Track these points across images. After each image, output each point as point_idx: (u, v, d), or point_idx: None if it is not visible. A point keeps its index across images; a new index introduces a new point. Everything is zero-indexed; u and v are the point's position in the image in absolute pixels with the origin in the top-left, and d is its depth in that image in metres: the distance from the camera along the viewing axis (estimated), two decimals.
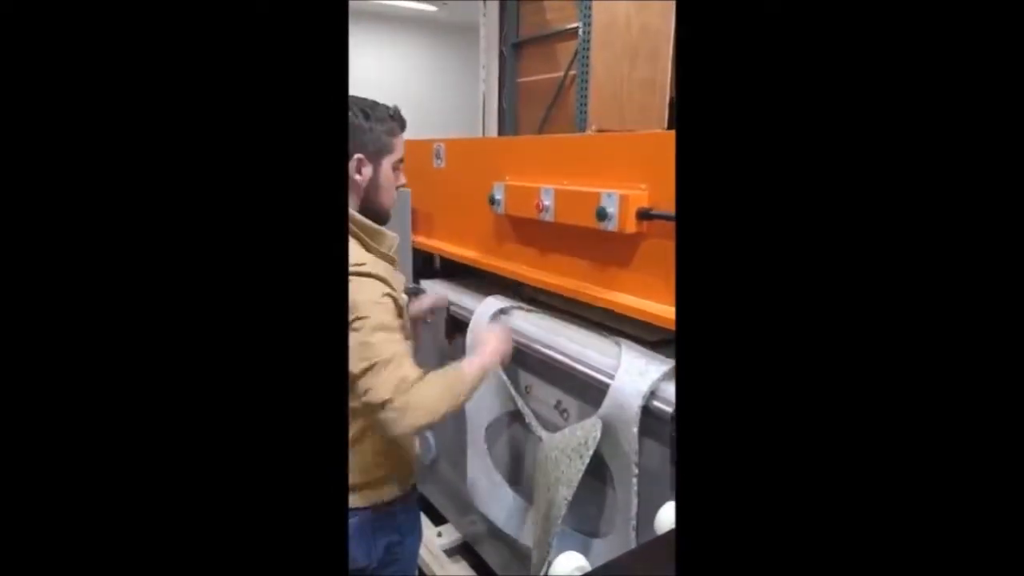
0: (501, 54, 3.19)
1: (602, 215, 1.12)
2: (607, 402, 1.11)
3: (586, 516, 1.26)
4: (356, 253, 0.98)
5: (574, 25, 2.75)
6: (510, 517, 1.48)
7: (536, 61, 3.07)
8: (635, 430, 1.05)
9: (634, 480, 1.08)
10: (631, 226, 1.10)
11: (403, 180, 1.11)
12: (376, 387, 0.89)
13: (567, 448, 1.15)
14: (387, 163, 1.06)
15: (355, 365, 0.89)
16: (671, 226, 1.07)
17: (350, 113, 1.00)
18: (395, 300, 0.99)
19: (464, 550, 1.81)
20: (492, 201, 1.44)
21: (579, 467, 1.11)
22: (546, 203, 1.27)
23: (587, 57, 2.59)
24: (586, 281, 1.28)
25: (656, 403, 1.04)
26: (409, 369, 0.93)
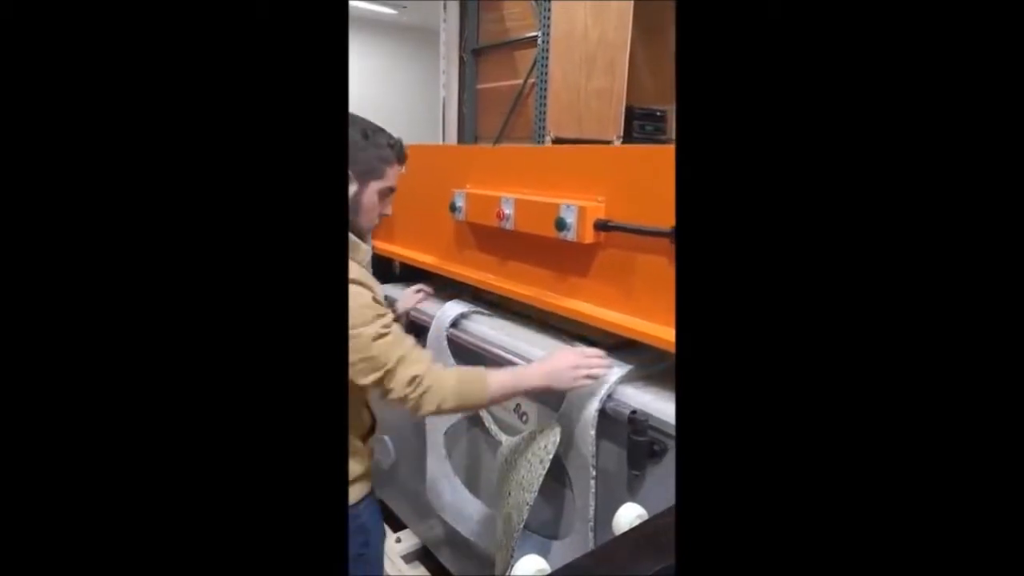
0: (461, 60, 3.20)
1: (561, 225, 1.15)
2: (565, 405, 1.13)
3: (544, 518, 1.28)
4: None
5: (533, 33, 2.79)
6: (470, 521, 1.49)
7: (496, 68, 3.09)
8: (593, 433, 1.08)
9: (592, 482, 1.10)
10: (589, 236, 1.14)
11: (389, 210, 1.12)
12: (394, 389, 0.98)
13: (527, 453, 1.17)
14: (374, 187, 1.06)
15: (364, 377, 0.96)
16: (627, 237, 1.11)
17: (351, 130, 1.03)
18: (379, 302, 1.02)
19: (423, 555, 1.81)
20: (453, 208, 1.46)
21: (540, 472, 1.12)
22: (507, 212, 1.29)
23: (546, 65, 2.62)
24: (545, 289, 1.30)
25: (613, 406, 1.07)
26: (416, 365, 0.99)
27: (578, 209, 1.13)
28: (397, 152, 1.09)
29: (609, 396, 1.08)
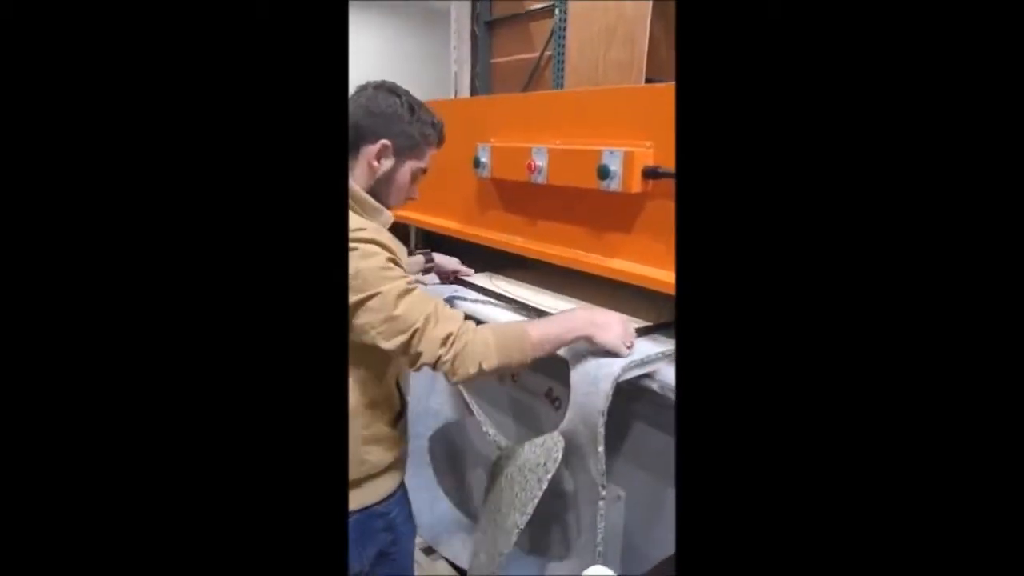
0: (473, 33, 3.07)
1: (604, 173, 1.03)
2: (568, 415, 1.00)
3: (542, 536, 1.15)
4: (354, 220, 0.89)
5: (549, 4, 2.66)
6: (445, 534, 1.36)
7: (510, 41, 2.95)
8: (601, 450, 0.96)
9: (601, 503, 0.98)
10: (636, 185, 1.01)
11: (416, 194, 1.03)
12: (424, 352, 0.86)
13: (525, 467, 1.03)
14: (409, 165, 0.98)
15: (388, 340, 0.84)
16: None
17: (397, 100, 0.95)
18: (398, 264, 0.90)
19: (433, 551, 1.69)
20: (477, 164, 1.33)
21: (535, 492, 0.99)
22: (539, 164, 1.16)
23: (563, 37, 2.50)
24: (582, 248, 1.18)
25: (658, 387, 0.96)
26: (447, 323, 0.86)
27: (624, 155, 1.00)
28: (438, 132, 1.00)
29: (649, 375, 0.96)
